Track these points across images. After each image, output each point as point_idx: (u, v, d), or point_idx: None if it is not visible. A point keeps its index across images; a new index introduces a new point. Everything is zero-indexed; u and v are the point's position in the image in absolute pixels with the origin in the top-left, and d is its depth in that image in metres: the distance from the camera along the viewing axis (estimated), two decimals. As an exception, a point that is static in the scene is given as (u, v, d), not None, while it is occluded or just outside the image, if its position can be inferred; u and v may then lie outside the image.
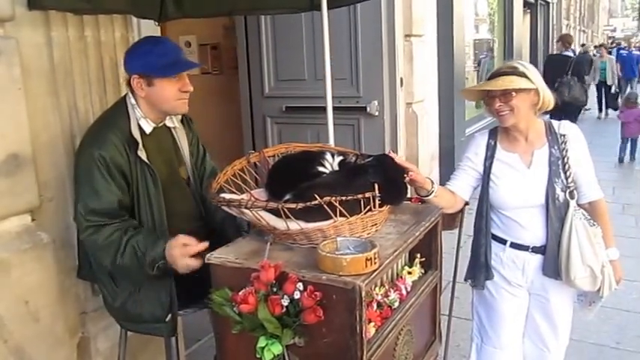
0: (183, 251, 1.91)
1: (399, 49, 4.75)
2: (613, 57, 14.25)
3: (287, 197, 1.77)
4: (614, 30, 39.76)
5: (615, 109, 11.95)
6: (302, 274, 1.55)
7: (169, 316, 2.09)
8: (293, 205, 1.61)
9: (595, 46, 17.67)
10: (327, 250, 1.57)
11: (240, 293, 1.53)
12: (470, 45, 8.41)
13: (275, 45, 4.82)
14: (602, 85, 13.53)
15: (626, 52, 16.15)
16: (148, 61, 2.01)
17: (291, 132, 4.67)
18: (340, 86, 4.55)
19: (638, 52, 16.15)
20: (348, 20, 4.51)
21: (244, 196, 1.89)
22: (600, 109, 13.64)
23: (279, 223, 1.70)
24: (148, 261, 1.94)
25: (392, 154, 1.97)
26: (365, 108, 4.54)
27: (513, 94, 2.08)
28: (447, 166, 5.91)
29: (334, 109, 4.22)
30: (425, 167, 5.47)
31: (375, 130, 4.61)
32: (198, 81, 5.69)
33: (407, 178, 1.95)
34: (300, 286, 1.51)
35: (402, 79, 4.90)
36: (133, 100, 2.08)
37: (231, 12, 3.43)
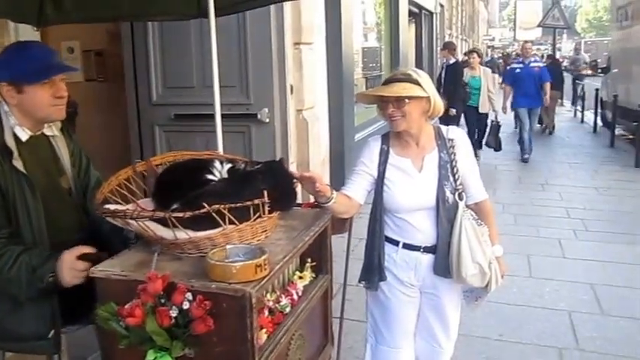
0: (74, 262, 1.86)
1: (288, 57, 4.80)
2: (489, 70, 9.43)
3: (175, 206, 1.74)
4: (492, 39, 42.61)
5: (497, 150, 9.05)
6: (191, 284, 1.53)
7: (52, 332, 1.99)
8: (180, 214, 1.59)
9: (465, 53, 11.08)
10: (217, 259, 1.56)
11: (126, 306, 1.49)
12: (359, 53, 8.67)
13: (163, 51, 4.70)
14: (472, 114, 8.87)
15: (522, 65, 9.41)
16: (16, 67, 1.92)
17: (180, 140, 4.57)
18: (230, 93, 4.52)
19: (540, 66, 9.62)
20: (237, 28, 4.49)
21: (130, 207, 1.84)
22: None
23: (166, 233, 1.68)
24: (38, 274, 1.85)
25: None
26: (255, 115, 4.54)
27: (406, 100, 2.15)
28: (338, 170, 6.05)
29: (225, 116, 4.18)
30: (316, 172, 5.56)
31: (265, 137, 4.62)
32: (83, 88, 5.48)
33: (296, 184, 1.98)
34: (189, 296, 1.48)
35: (292, 87, 4.96)
36: (6, 108, 1.97)
37: (115, 18, 3.33)
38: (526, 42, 10.72)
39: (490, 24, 54.75)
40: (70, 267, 1.87)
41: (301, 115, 5.33)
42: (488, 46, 37.33)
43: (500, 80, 10.89)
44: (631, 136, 10.72)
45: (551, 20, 14.46)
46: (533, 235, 5.49)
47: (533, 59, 9.61)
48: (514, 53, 21.37)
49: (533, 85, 9.06)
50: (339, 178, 5.71)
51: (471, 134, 8.61)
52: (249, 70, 4.54)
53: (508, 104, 9.45)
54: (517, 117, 9.67)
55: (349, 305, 2.83)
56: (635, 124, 9.25)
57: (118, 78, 5.15)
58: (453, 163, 2.26)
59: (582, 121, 13.86)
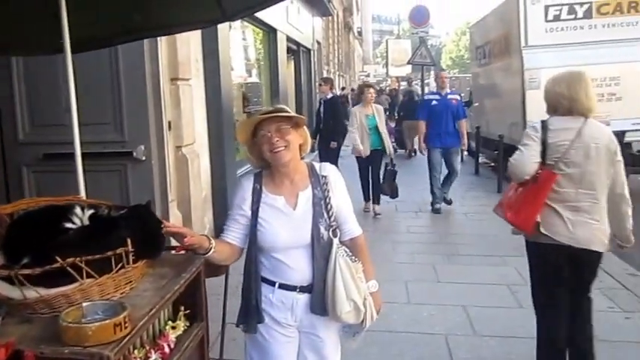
0: None
1: (165, 93, 4.69)
2: (381, 107, 8.06)
3: (25, 261, 1.58)
4: (368, 75, 44.25)
5: (393, 197, 7.83)
6: (40, 350, 1.37)
7: None
8: (29, 271, 1.43)
9: (353, 89, 10.41)
10: (71, 319, 1.42)
11: (-39, 383, 1.31)
12: (239, 88, 8.67)
13: (29, 87, 4.43)
14: (377, 155, 7.65)
15: (438, 97, 7.93)
16: None
17: (52, 182, 4.26)
18: (104, 131, 4.33)
19: (457, 99, 8.16)
20: (109, 63, 4.32)
21: (-26, 263, 1.65)
22: (367, 198, 7.89)
23: (13, 292, 1.51)
24: None
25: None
26: (131, 153, 4.37)
27: (289, 129, 2.16)
28: (221, 207, 5.93)
29: (99, 155, 3.97)
30: (198, 210, 5.43)
31: (143, 176, 4.45)
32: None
33: (164, 229, 1.88)
34: (38, 364, 1.34)
35: (169, 123, 4.84)
36: None
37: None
38: (442, 70, 10.56)
39: (365, 61, 57.51)
40: None
41: (180, 151, 5.22)
42: (364, 82, 38.99)
43: None
44: (493, 164, 11.61)
45: (419, 58, 15.25)
46: (409, 262, 5.65)
47: (449, 91, 8.21)
48: (387, 88, 22.63)
49: (451, 121, 7.73)
50: (222, 214, 5.60)
51: (366, 181, 7.79)
52: (124, 106, 4.39)
53: (423, 144, 8.00)
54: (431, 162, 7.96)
55: (235, 345, 2.72)
56: (496, 152, 9.94)
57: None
58: (327, 199, 2.26)
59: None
